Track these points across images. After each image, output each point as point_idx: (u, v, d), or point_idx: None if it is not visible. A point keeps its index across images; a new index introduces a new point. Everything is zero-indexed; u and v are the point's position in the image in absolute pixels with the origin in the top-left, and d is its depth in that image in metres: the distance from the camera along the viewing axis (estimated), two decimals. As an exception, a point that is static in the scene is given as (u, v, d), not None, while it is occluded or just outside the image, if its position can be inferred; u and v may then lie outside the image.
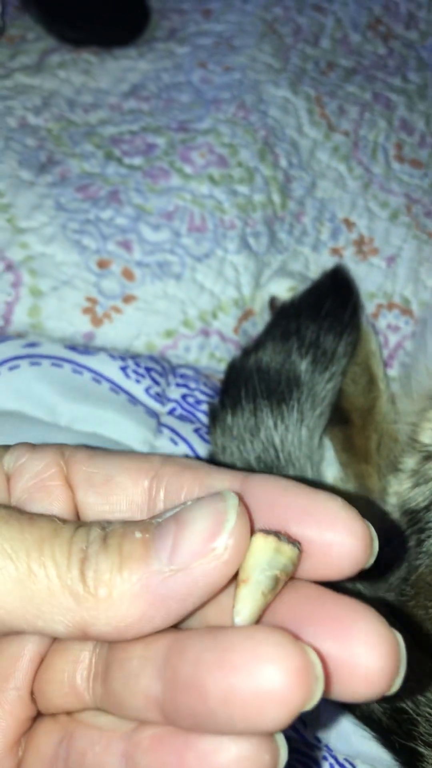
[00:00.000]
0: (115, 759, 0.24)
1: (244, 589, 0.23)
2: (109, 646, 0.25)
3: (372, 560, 0.24)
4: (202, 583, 0.22)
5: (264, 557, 0.23)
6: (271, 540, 0.23)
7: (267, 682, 0.20)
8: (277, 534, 0.24)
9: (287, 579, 0.24)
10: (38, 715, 0.26)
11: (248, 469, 0.48)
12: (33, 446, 0.28)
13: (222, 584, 0.23)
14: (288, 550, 0.23)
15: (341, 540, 0.24)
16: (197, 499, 0.24)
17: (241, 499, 0.23)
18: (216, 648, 0.21)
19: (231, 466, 0.47)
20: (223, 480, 0.26)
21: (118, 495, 0.27)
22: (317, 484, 0.27)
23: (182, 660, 0.22)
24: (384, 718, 0.42)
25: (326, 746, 0.43)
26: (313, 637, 0.22)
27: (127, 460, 0.28)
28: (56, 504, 0.27)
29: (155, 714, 0.23)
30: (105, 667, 0.25)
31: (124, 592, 0.22)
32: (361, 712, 0.43)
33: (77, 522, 0.24)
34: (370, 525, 0.24)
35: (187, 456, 0.51)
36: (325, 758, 0.43)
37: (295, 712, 0.21)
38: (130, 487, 0.27)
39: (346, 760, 0.43)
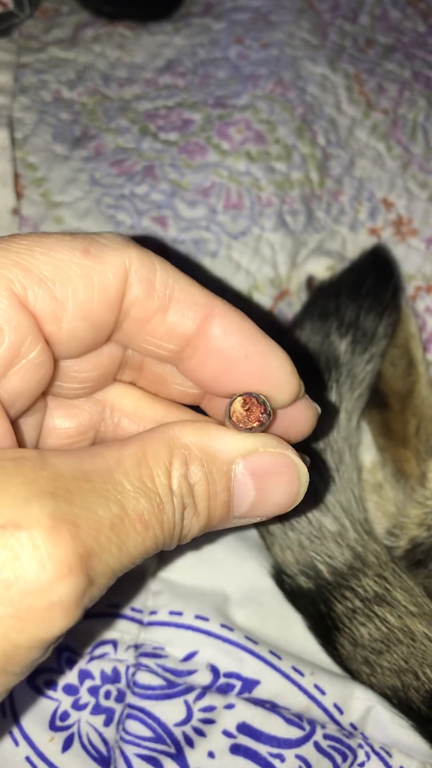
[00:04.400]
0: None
1: None
2: None
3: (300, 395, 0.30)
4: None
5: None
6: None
7: None
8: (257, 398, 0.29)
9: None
10: None
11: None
12: None
13: None
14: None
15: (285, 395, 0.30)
16: (276, 454, 0.28)
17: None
18: None
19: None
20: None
21: None
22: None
23: None
24: (423, 707, 0.41)
25: (362, 734, 0.42)
26: None
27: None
28: None
29: None
30: None
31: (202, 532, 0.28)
32: (398, 700, 0.42)
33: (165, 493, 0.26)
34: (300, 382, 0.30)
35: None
36: (360, 746, 0.42)
37: None
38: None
39: (382, 748, 0.42)
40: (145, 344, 0.28)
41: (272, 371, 0.29)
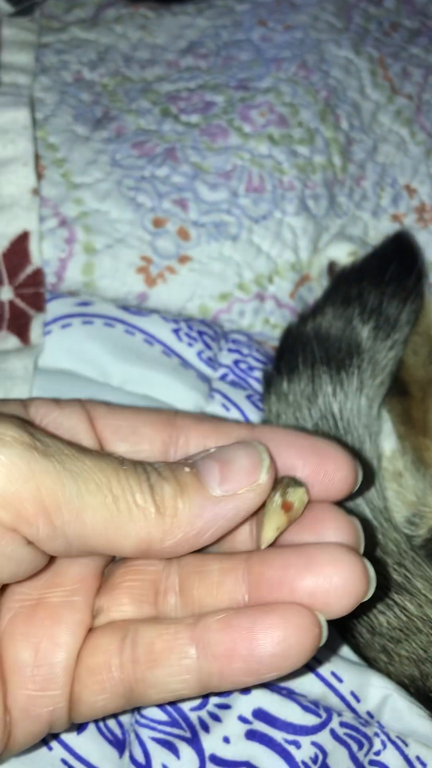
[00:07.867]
0: (185, 642, 0.29)
1: (267, 520, 0.30)
2: (179, 564, 0.31)
3: (357, 486, 0.33)
4: (243, 507, 0.28)
5: (277, 499, 0.30)
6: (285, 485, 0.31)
7: (346, 580, 0.28)
8: (289, 480, 0.31)
9: (300, 511, 0.31)
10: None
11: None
12: (57, 401, 0.32)
13: (255, 509, 0.29)
14: (300, 491, 0.31)
15: (338, 473, 0.32)
16: (232, 444, 0.30)
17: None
18: (301, 556, 0.29)
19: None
20: (233, 429, 0.33)
21: (145, 444, 0.32)
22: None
23: (268, 567, 0.29)
24: (442, 697, 0.41)
25: (378, 723, 0.42)
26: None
27: (145, 413, 0.33)
28: None
29: None
30: (180, 581, 0.30)
31: (186, 512, 0.28)
32: (416, 689, 0.42)
33: (128, 459, 0.29)
34: (356, 460, 0.32)
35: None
36: (376, 735, 0.41)
37: (359, 601, 0.29)
38: (154, 437, 0.32)
39: (398, 737, 0.42)
40: None
41: (329, 455, 0.32)
